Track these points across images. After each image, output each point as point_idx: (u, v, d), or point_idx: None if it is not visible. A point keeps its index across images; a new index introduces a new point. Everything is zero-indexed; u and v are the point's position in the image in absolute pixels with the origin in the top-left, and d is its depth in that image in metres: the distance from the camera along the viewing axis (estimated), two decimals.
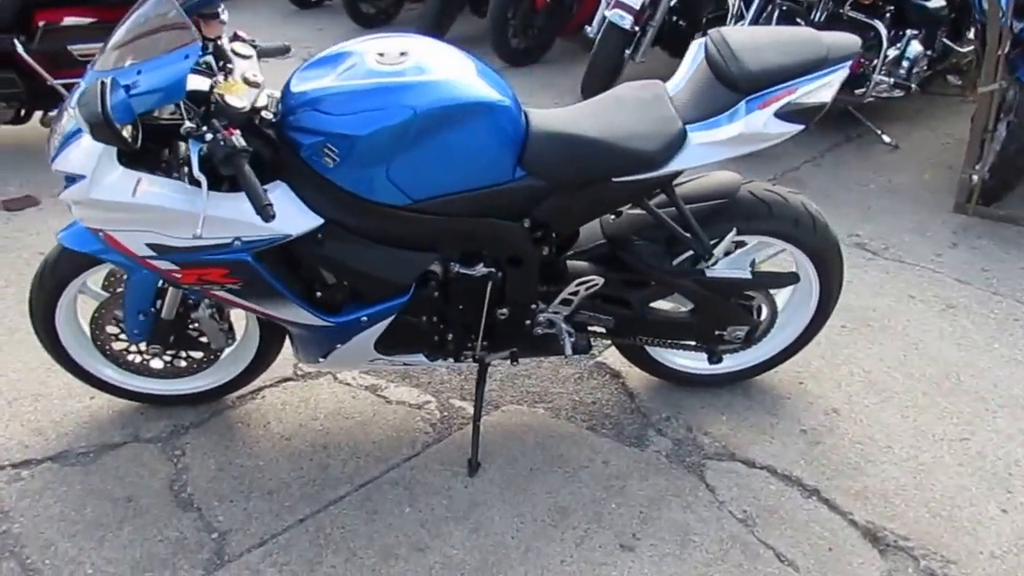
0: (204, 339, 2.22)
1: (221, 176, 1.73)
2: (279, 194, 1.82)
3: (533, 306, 2.15)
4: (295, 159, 1.82)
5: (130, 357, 2.27)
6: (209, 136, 1.63)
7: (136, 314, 2.10)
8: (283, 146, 1.83)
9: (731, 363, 2.50)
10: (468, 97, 1.84)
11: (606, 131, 1.96)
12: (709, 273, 2.20)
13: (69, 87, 3.69)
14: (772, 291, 2.35)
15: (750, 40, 2.02)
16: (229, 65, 1.83)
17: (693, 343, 2.34)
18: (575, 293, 2.14)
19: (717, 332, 2.31)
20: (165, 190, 1.74)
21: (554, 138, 1.94)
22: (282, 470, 2.24)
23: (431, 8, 5.58)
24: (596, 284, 2.14)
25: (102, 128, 1.48)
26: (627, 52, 4.50)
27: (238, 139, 1.62)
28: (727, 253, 2.22)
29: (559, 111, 2.07)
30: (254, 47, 1.98)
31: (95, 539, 2.03)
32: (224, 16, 1.92)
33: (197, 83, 1.72)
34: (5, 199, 3.67)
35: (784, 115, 1.95)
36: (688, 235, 2.09)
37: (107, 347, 2.24)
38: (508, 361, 2.31)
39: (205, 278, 1.88)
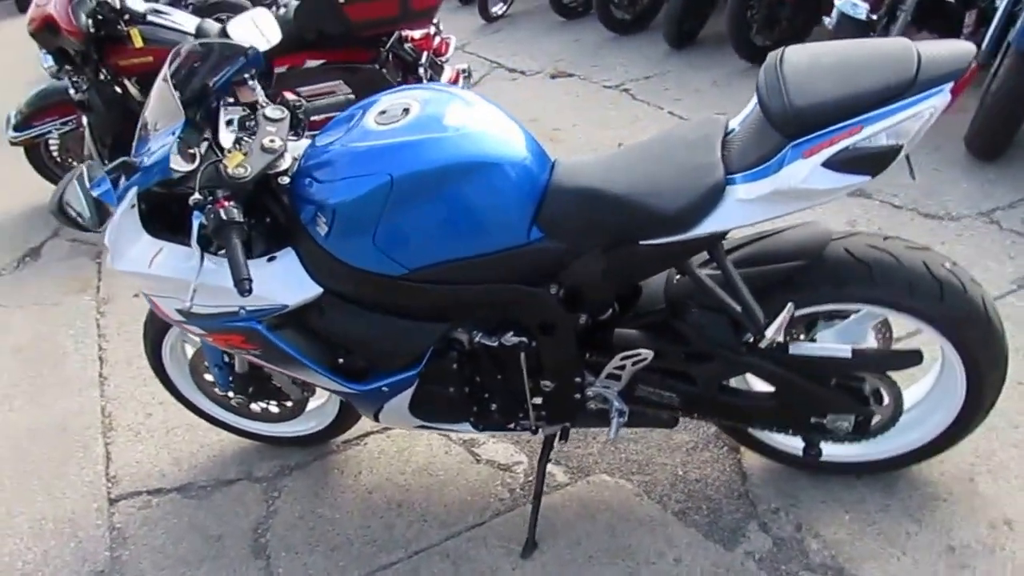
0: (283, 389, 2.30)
1: None
2: (285, 262, 1.81)
3: (578, 379, 1.91)
4: (299, 226, 1.79)
5: (231, 401, 2.42)
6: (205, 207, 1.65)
7: (215, 365, 2.23)
8: (292, 212, 1.81)
9: (859, 450, 2.02)
10: (456, 158, 1.66)
11: (634, 185, 1.67)
12: (793, 350, 1.79)
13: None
14: (895, 372, 1.84)
15: (811, 61, 1.57)
16: (249, 133, 1.85)
17: (783, 430, 1.92)
18: (621, 367, 1.86)
19: (813, 420, 1.87)
20: (177, 261, 1.80)
21: (573, 195, 1.70)
22: (352, 525, 2.25)
23: (672, 11, 5.28)
24: (644, 359, 1.84)
25: (57, 215, 1.57)
26: None
27: (230, 211, 1.61)
28: (821, 331, 1.79)
29: (592, 160, 1.80)
30: (295, 107, 2.00)
31: (176, 574, 2.20)
32: (253, 84, 1.96)
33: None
34: None
35: (839, 164, 1.50)
36: (739, 307, 1.70)
37: (207, 391, 2.41)
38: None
39: (231, 343, 1.94)
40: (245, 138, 1.85)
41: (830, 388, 1.83)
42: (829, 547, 1.93)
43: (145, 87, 4.43)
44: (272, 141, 1.78)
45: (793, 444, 2.03)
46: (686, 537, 2.03)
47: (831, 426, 1.87)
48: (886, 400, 1.87)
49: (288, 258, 1.81)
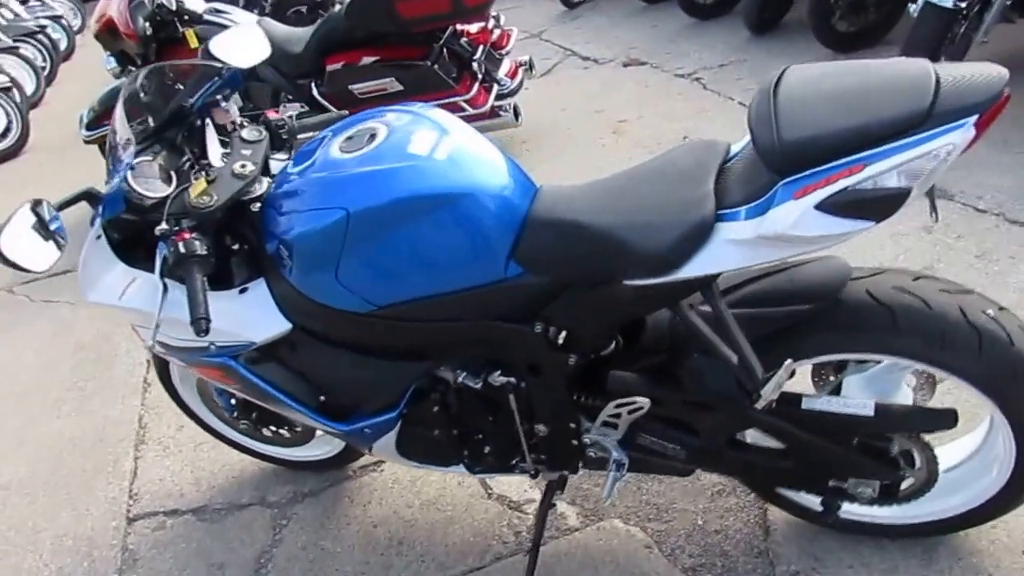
0: None
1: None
2: (257, 293, 1.72)
3: (573, 424, 1.75)
4: (267, 257, 1.70)
5: (239, 425, 2.37)
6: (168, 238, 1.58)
7: (215, 391, 2.18)
8: (261, 242, 1.72)
9: (895, 512, 1.78)
10: (417, 190, 1.51)
11: (618, 219, 1.49)
12: (806, 405, 1.58)
13: None
14: (930, 434, 1.61)
15: (812, 85, 1.35)
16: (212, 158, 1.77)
17: (799, 491, 1.71)
18: (617, 415, 1.70)
19: (832, 483, 1.66)
20: (150, 292, 1.72)
21: (553, 228, 1.53)
22: (351, 562, 2.17)
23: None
24: (641, 408, 1.67)
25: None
26: (958, 31, 3.44)
27: (190, 243, 1.53)
28: (848, 376, 1.58)
29: (579, 187, 1.63)
30: (279, 126, 1.91)
31: None
32: (228, 105, 1.87)
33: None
34: None
35: (836, 207, 1.29)
36: (736, 358, 1.50)
37: (219, 414, 2.37)
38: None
39: (212, 376, 1.88)
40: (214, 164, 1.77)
41: (851, 448, 1.61)
42: None
43: None
44: (243, 166, 1.68)
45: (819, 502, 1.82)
46: None
47: (853, 491, 1.66)
48: (918, 463, 1.64)
49: (259, 290, 1.73)
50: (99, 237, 1.75)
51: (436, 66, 4.06)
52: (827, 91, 1.33)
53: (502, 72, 4.31)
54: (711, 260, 1.40)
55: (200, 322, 1.46)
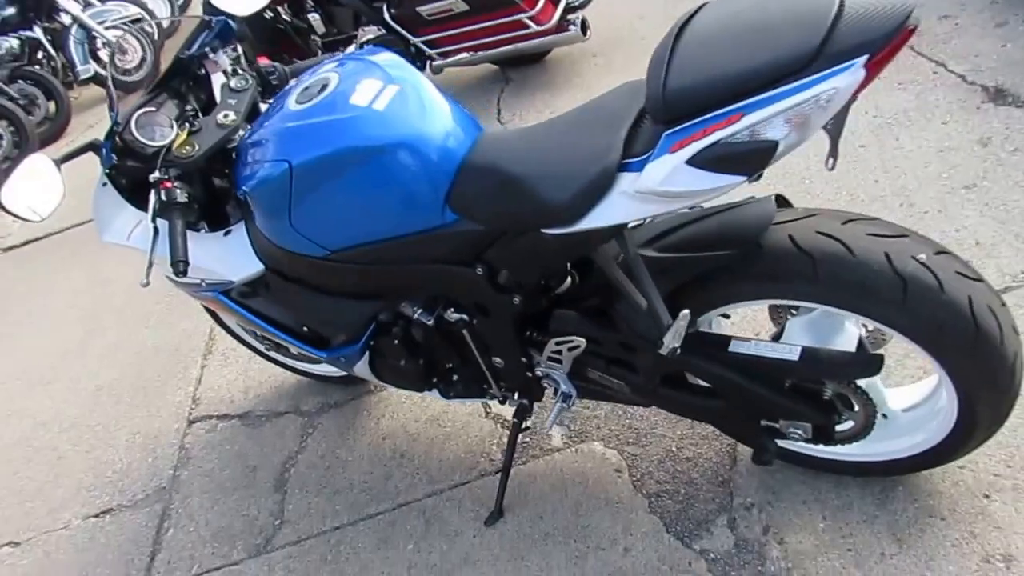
0: None
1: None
2: (237, 236, 1.88)
3: (524, 359, 1.82)
4: (243, 203, 1.83)
5: (264, 344, 2.57)
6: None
7: None
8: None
9: (854, 449, 1.75)
10: (353, 141, 1.57)
11: (536, 168, 1.50)
12: (733, 348, 1.58)
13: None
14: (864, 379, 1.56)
15: (717, 24, 1.28)
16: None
17: (731, 432, 1.71)
18: (559, 352, 1.75)
19: (763, 423, 1.65)
20: (148, 234, 1.91)
21: (482, 176, 1.57)
22: (358, 471, 2.36)
23: None
24: (578, 346, 1.71)
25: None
26: None
27: (171, 192, 1.69)
28: (790, 321, 1.56)
29: (519, 132, 1.64)
30: (269, 73, 2.01)
31: (212, 499, 2.47)
32: (216, 57, 1.98)
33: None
34: None
35: (707, 161, 1.24)
36: (645, 305, 1.51)
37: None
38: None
39: (211, 307, 2.06)
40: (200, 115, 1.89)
41: (781, 391, 1.59)
42: (789, 558, 1.73)
43: (297, 11, 4.65)
44: (226, 116, 1.81)
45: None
46: (646, 525, 1.91)
47: (785, 431, 1.64)
48: (856, 407, 1.60)
49: (240, 233, 1.87)
50: (104, 184, 1.93)
51: None
52: (728, 31, 1.26)
53: None
54: (609, 212, 1.40)
55: (178, 264, 1.62)
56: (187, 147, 1.74)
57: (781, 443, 1.80)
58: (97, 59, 6.65)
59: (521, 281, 1.67)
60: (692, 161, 1.25)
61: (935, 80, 2.98)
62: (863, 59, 1.14)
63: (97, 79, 6.67)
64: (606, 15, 4.52)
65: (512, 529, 2.02)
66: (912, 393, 1.69)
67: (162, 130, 1.80)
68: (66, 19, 6.50)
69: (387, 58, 1.74)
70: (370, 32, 4.42)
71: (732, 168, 1.24)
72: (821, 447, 1.77)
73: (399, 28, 4.24)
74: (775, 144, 1.21)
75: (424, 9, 4.15)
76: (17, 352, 3.66)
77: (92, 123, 6.46)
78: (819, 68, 1.16)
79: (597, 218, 1.41)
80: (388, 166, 1.57)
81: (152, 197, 1.72)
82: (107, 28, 6.61)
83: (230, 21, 2.03)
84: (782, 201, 1.63)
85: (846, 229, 1.44)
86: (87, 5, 6.75)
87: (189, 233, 1.81)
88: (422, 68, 4.52)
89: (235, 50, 2.15)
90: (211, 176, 1.85)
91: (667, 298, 1.54)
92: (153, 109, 1.83)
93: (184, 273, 1.62)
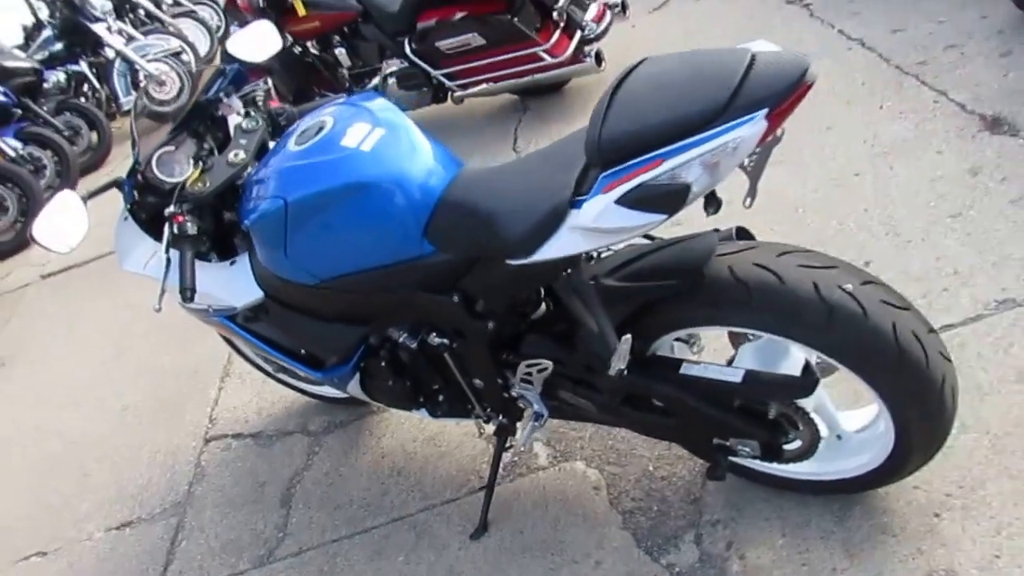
0: None
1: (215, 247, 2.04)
2: (241, 266, 2.04)
3: (500, 380, 1.95)
4: (246, 235, 2.00)
5: (272, 366, 2.73)
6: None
7: None
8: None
9: (809, 468, 1.84)
10: (339, 180, 1.74)
11: (502, 202, 1.65)
12: (684, 371, 1.69)
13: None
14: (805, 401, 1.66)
15: (650, 79, 1.43)
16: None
17: (689, 448, 1.81)
18: (529, 374, 1.88)
19: (715, 441, 1.75)
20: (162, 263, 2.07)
21: (454, 211, 1.72)
22: (358, 487, 2.50)
23: None
24: (545, 368, 1.84)
25: (32, 241, 1.91)
26: None
27: (183, 225, 1.86)
28: (743, 345, 1.68)
29: (494, 169, 1.79)
30: (278, 115, 2.17)
31: (223, 513, 2.62)
32: (230, 101, 2.15)
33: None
34: None
35: (633, 201, 1.38)
36: (596, 332, 1.63)
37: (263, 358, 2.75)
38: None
39: (220, 331, 2.23)
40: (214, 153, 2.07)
41: (728, 411, 1.70)
42: (747, 572, 1.83)
43: (324, 46, 4.86)
44: (236, 155, 1.98)
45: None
46: (618, 540, 2.02)
47: (736, 448, 1.75)
48: (801, 427, 1.70)
49: (243, 262, 2.04)
50: (126, 218, 2.12)
51: (516, 18, 4.14)
52: (655, 86, 1.41)
53: (588, 16, 4.33)
54: (559, 245, 1.53)
55: (185, 291, 1.80)
56: (199, 184, 1.92)
57: (749, 464, 1.91)
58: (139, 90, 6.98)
59: (493, 307, 1.81)
60: (620, 201, 1.40)
61: (935, 109, 3.07)
62: (764, 112, 1.29)
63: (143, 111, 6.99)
64: (628, 45, 4.67)
65: (495, 543, 2.14)
66: (862, 416, 1.79)
67: (180, 167, 1.99)
68: (110, 53, 6.83)
69: (377, 103, 1.90)
70: (394, 65, 4.62)
71: (653, 207, 1.39)
72: (783, 466, 1.87)
73: (420, 62, 4.43)
74: (687, 187, 1.35)
75: (443, 44, 4.33)
76: (49, 373, 3.88)
77: (130, 153, 6.74)
78: (727, 120, 1.31)
79: (549, 250, 1.55)
80: (371, 202, 1.73)
81: (166, 229, 1.89)
82: (149, 61, 6.92)
83: (242, 68, 2.20)
84: (744, 234, 1.76)
85: (780, 260, 1.55)
86: (130, 39, 7.08)
87: (199, 263, 1.99)
88: (444, 99, 4.71)
89: (266, 82, 2.34)
90: (221, 210, 2.02)
91: (623, 323, 1.67)
92: (172, 148, 2.02)
93: (191, 300, 1.79)
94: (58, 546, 2.76)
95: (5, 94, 5.83)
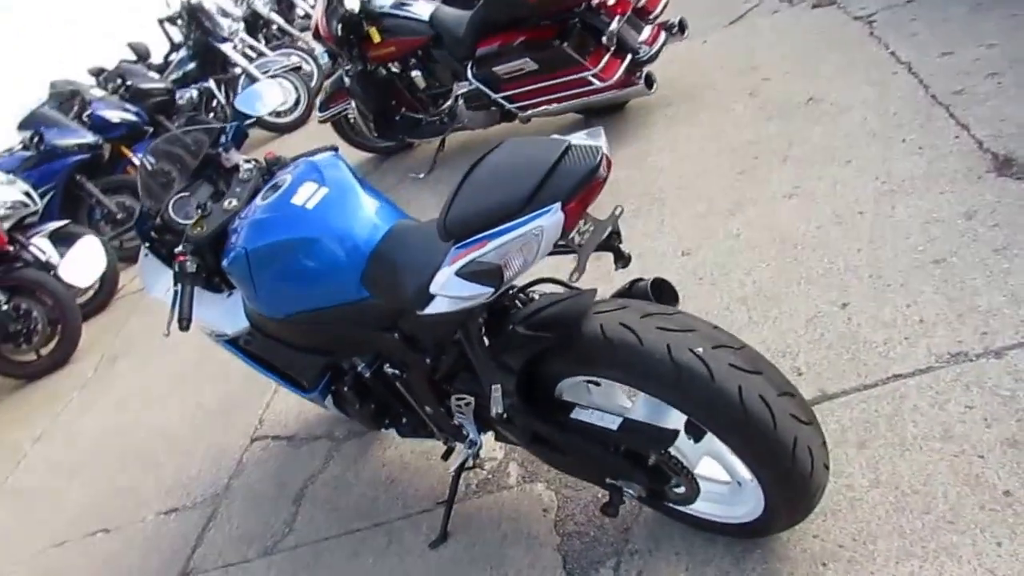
0: None
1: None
2: (235, 298, 2.38)
3: (443, 409, 2.17)
4: None
5: None
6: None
7: None
8: None
9: (716, 510, 1.95)
10: (287, 235, 2.04)
11: (412, 258, 1.89)
12: (574, 415, 1.86)
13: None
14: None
15: (498, 165, 1.64)
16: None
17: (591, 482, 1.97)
18: (459, 405, 2.09)
19: (608, 480, 1.90)
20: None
21: (381, 262, 1.97)
22: (356, 493, 2.79)
23: None
24: (469, 402, 2.05)
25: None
26: None
27: (183, 264, 2.20)
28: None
29: (421, 225, 2.03)
30: (272, 165, 2.47)
31: (248, 507, 2.99)
32: (229, 155, 2.48)
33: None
34: None
35: (467, 274, 1.59)
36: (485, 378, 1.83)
37: None
38: None
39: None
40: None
41: (612, 454, 1.84)
42: None
43: (403, 68, 5.18)
44: (230, 203, 2.31)
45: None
46: (548, 560, 2.20)
47: (625, 488, 1.89)
48: (677, 474, 1.82)
49: (236, 295, 2.37)
50: (146, 255, 2.50)
51: (567, 44, 4.30)
52: (494, 172, 1.62)
53: (641, 38, 4.43)
54: (434, 305, 1.76)
55: (182, 321, 2.13)
56: (198, 228, 2.25)
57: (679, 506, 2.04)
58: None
59: (425, 346, 2.03)
60: (458, 273, 1.60)
61: (953, 146, 3.01)
62: (557, 205, 1.48)
63: (261, 123, 7.64)
64: (687, 63, 4.76)
65: (448, 553, 2.37)
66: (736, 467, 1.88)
67: (192, 211, 2.33)
68: (237, 71, 7.50)
69: (328, 163, 2.17)
70: (463, 87, 4.90)
71: (480, 280, 1.59)
72: (694, 506, 1.99)
73: (482, 87, 4.67)
74: (499, 267, 1.55)
75: (499, 69, 4.55)
76: (148, 371, 4.43)
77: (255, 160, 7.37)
78: (531, 210, 1.51)
79: (432, 308, 1.76)
80: (312, 254, 2.01)
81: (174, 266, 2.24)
82: (269, 77, 7.55)
83: (242, 126, 2.53)
84: (668, 289, 1.88)
85: (642, 322, 1.69)
86: (259, 55, 7.73)
87: (206, 293, 2.33)
88: (512, 118, 4.93)
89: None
90: (220, 250, 2.35)
91: (526, 367, 1.85)
92: (187, 194, 2.37)
93: (186, 329, 2.12)
94: (119, 525, 3.23)
95: (138, 114, 6.54)
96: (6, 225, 5.18)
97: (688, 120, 4.33)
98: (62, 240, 5.39)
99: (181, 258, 2.20)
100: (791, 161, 3.41)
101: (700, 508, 1.95)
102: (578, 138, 1.60)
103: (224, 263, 2.19)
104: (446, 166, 5.20)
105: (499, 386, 1.79)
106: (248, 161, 2.50)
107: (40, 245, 5.23)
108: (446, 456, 2.36)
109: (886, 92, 3.54)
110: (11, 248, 5.05)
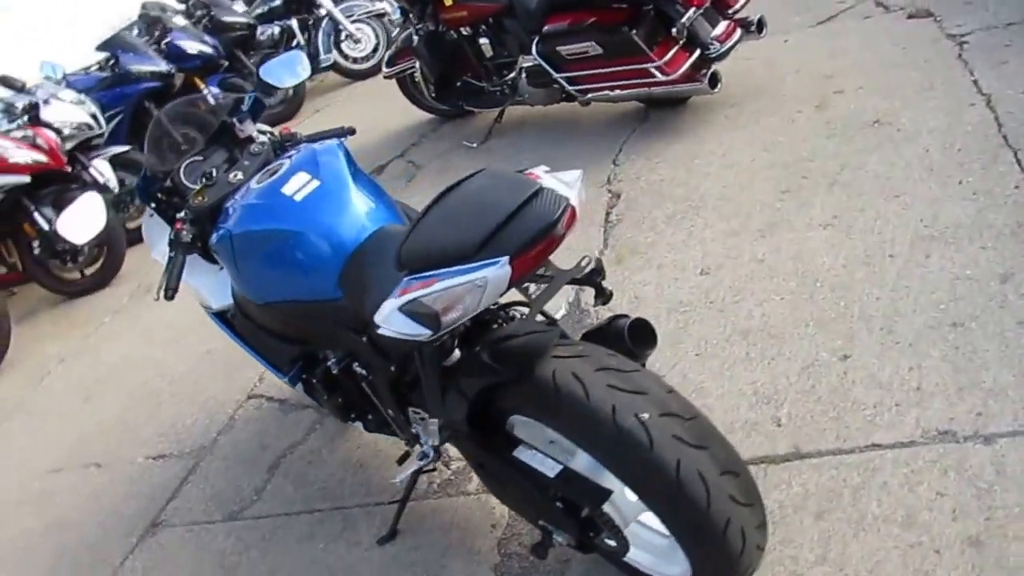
0: None
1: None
2: (224, 273, 2.34)
3: (403, 416, 2.11)
4: None
5: None
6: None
7: None
8: None
9: (654, 561, 1.85)
10: (270, 224, 1.99)
11: (377, 273, 1.81)
12: (516, 453, 1.77)
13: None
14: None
15: (465, 197, 1.55)
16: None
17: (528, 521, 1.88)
18: (416, 418, 2.03)
19: (541, 523, 1.81)
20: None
21: (355, 265, 1.90)
22: (325, 470, 2.78)
23: None
24: (424, 417, 1.98)
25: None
26: None
27: (179, 233, 2.18)
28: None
29: (401, 231, 1.93)
30: (286, 140, 2.41)
31: (226, 466, 3.02)
32: (243, 126, 2.42)
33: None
34: None
35: (408, 312, 1.50)
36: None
37: None
38: None
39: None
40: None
41: (547, 499, 1.75)
42: None
43: (473, 33, 5.08)
44: (235, 175, 2.26)
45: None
46: None
47: (556, 533, 1.80)
48: (607, 529, 1.72)
49: (226, 272, 2.34)
50: (151, 216, 2.49)
51: (635, 31, 4.10)
52: (459, 206, 1.54)
53: (714, 34, 4.20)
54: (383, 328, 1.65)
55: (168, 290, 2.12)
56: (200, 197, 2.21)
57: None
58: (339, 49, 7.60)
59: (390, 354, 1.96)
60: (400, 309, 1.51)
61: (1010, 196, 2.75)
62: (505, 259, 1.39)
63: (336, 67, 7.64)
64: (762, 63, 4.51)
65: (392, 552, 2.33)
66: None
67: (200, 178, 2.30)
68: (321, 11, 7.47)
69: (328, 153, 2.10)
70: (529, 60, 4.76)
71: (419, 321, 1.49)
72: (633, 555, 1.89)
73: (545, 65, 4.52)
74: (436, 313, 1.46)
75: (564, 49, 4.39)
76: (165, 315, 4.46)
77: (320, 108, 7.40)
78: (480, 258, 1.42)
79: (383, 328, 1.66)
80: (292, 246, 1.96)
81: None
82: (352, 21, 7.52)
83: (260, 98, 2.47)
84: (647, 332, 1.75)
85: (595, 375, 1.57)
86: None
87: (202, 262, 2.31)
88: (573, 99, 4.77)
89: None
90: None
91: (480, 395, 1.75)
92: (201, 159, 2.34)
93: (170, 298, 2.10)
94: (111, 462, 3.31)
95: (215, 47, 6.60)
96: (69, 145, 5.33)
97: (747, 125, 4.10)
98: (122, 166, 5.56)
99: (179, 226, 2.17)
100: (838, 187, 3.18)
101: (635, 557, 1.85)
102: (553, 181, 1.50)
103: (211, 241, 2.16)
104: (501, 138, 5.07)
105: (435, 420, 1.72)
106: (263, 133, 2.45)
107: (99, 168, 5.38)
108: (401, 461, 2.31)
109: (957, 124, 3.27)
110: (70, 168, 5.20)
